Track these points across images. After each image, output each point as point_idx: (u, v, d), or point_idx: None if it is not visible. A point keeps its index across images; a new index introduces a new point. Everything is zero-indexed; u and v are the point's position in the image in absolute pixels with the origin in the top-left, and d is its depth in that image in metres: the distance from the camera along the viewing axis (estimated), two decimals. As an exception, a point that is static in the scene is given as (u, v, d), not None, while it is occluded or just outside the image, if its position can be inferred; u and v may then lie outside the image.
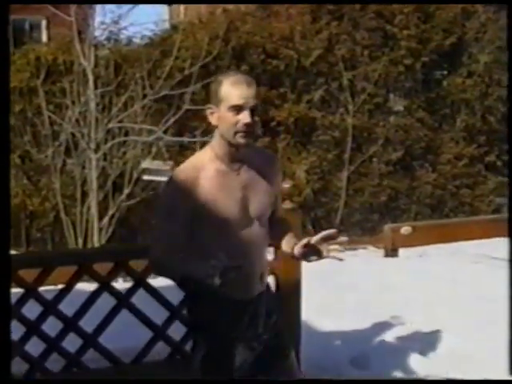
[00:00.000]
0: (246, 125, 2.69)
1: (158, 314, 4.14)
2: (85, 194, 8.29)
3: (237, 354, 2.86)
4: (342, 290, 5.84)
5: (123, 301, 4.05)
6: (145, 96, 8.20)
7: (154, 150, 8.38)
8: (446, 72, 10.28)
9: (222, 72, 3.02)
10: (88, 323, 4.00)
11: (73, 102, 8.16)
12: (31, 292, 3.83)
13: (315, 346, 4.54)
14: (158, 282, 4.34)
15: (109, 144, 8.11)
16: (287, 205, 3.93)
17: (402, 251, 7.88)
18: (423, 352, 4.77)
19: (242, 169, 2.81)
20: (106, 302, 4.03)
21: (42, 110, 8.42)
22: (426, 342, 4.90)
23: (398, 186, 9.80)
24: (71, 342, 3.99)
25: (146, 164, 8.41)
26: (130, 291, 4.08)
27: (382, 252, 8.00)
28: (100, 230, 8.09)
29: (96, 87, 8.16)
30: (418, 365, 4.63)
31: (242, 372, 2.87)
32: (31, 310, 3.86)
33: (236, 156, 2.79)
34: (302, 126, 9.57)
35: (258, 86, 2.76)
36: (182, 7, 16.04)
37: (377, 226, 9.08)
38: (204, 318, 2.86)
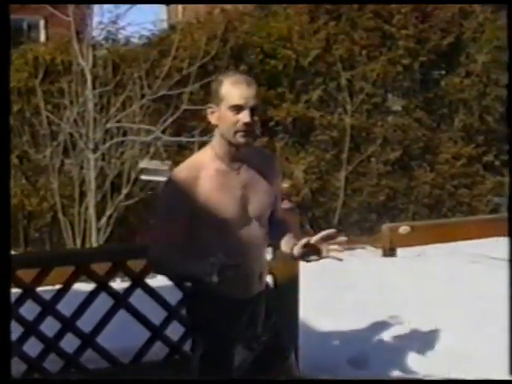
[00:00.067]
0: (246, 124, 2.71)
1: (156, 314, 4.14)
2: (83, 194, 8.28)
3: (236, 353, 2.86)
4: (340, 290, 5.84)
5: (121, 301, 4.05)
6: (143, 96, 8.19)
7: (152, 149, 8.36)
8: (443, 72, 10.28)
9: (220, 72, 3.04)
10: (86, 323, 4.00)
11: (71, 102, 8.15)
12: (29, 292, 3.83)
13: (313, 345, 4.54)
14: (156, 281, 4.35)
15: (107, 144, 8.10)
16: (285, 204, 3.93)
17: (400, 251, 7.89)
18: (421, 351, 4.78)
19: (241, 168, 2.82)
20: (103, 302, 4.03)
21: (40, 110, 8.41)
22: (424, 341, 4.91)
23: (396, 185, 9.80)
24: (69, 343, 3.99)
25: (144, 164, 8.40)
26: (128, 291, 4.09)
27: (380, 252, 8.00)
28: (98, 230, 8.08)
29: (94, 87, 8.15)
30: (416, 364, 4.64)
31: (241, 372, 2.87)
32: (29, 310, 3.86)
33: (236, 155, 2.79)
34: (300, 126, 9.57)
35: (257, 86, 2.78)
36: (180, 7, 16.05)
37: (375, 225, 9.08)
38: (203, 318, 2.86)
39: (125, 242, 8.22)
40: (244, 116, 2.71)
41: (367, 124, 9.72)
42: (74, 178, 8.33)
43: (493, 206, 9.95)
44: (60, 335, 3.94)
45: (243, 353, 2.87)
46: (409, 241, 8.01)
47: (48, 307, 3.88)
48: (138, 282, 4.06)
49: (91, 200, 8.06)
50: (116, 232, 8.23)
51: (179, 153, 8.46)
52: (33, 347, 3.90)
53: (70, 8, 8.22)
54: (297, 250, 2.82)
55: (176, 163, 6.08)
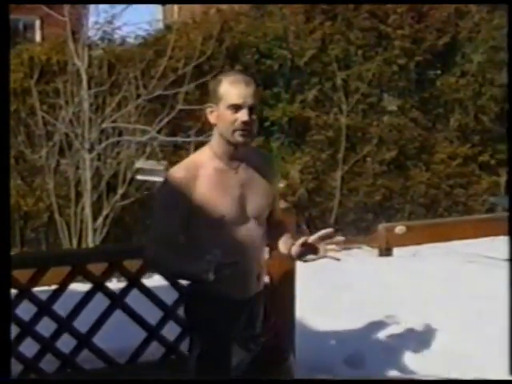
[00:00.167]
0: (244, 123, 2.72)
1: (152, 314, 4.14)
2: (79, 195, 8.28)
3: (233, 354, 2.86)
4: (337, 290, 5.84)
5: (117, 301, 4.04)
6: (138, 96, 8.19)
7: (147, 149, 8.37)
8: (439, 72, 10.29)
9: (215, 72, 3.05)
10: (82, 323, 4.00)
11: (66, 102, 8.15)
12: (25, 292, 3.82)
13: (309, 345, 4.54)
14: (152, 282, 4.35)
15: (103, 144, 8.10)
16: (281, 204, 3.93)
17: (396, 250, 7.89)
18: (417, 351, 4.78)
19: (240, 167, 2.83)
20: (100, 303, 4.03)
21: (36, 111, 8.41)
22: (421, 340, 4.91)
23: (392, 185, 9.81)
24: (65, 343, 3.98)
25: (139, 164, 8.40)
26: (124, 291, 4.08)
27: (376, 251, 8.01)
28: (94, 230, 8.08)
29: (90, 87, 8.15)
30: (413, 364, 4.64)
31: (240, 372, 2.87)
32: (25, 310, 3.85)
33: (234, 155, 2.80)
34: (295, 126, 9.58)
35: (256, 86, 2.80)
36: (175, 7, 16.03)
37: (371, 225, 9.09)
38: (201, 318, 2.86)
39: (121, 242, 8.22)
40: (242, 115, 2.72)
41: (363, 124, 9.74)
42: (70, 178, 8.33)
43: (488, 206, 9.96)
44: (56, 335, 3.93)
45: (241, 353, 2.87)
46: (405, 240, 8.01)
47: (44, 307, 3.88)
48: (134, 282, 4.06)
49: (87, 200, 8.06)
50: (112, 232, 8.23)
51: (175, 153, 8.47)
52: (29, 348, 3.89)
53: (66, 8, 8.22)
54: (295, 250, 2.82)
55: (172, 163, 6.08)
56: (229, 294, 2.78)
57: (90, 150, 8.03)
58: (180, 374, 3.17)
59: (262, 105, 9.10)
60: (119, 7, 8.80)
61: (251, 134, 2.79)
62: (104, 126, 8.09)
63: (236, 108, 2.73)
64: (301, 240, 2.79)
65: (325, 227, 2.90)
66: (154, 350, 4.17)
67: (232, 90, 2.74)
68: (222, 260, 2.55)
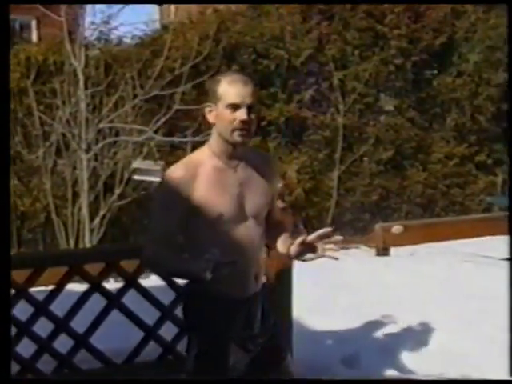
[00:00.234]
0: (243, 122, 2.73)
1: (150, 314, 4.14)
2: (76, 195, 8.26)
3: (231, 354, 2.85)
4: (334, 289, 5.85)
5: (114, 301, 4.04)
6: (135, 96, 8.18)
7: (144, 150, 8.36)
8: (436, 71, 10.30)
9: (212, 72, 3.05)
10: (79, 324, 4.00)
11: (63, 103, 8.13)
12: (22, 293, 3.82)
13: (306, 344, 4.54)
14: (149, 282, 4.35)
15: (100, 144, 8.09)
16: (278, 204, 3.93)
17: (393, 250, 7.91)
18: (415, 350, 4.78)
19: (239, 166, 2.84)
20: (97, 303, 4.03)
21: (33, 111, 8.39)
22: (418, 340, 4.91)
23: (389, 185, 9.81)
24: (62, 343, 3.98)
25: (136, 164, 8.38)
26: (121, 291, 4.08)
27: (373, 251, 8.02)
28: (91, 230, 8.07)
29: (86, 87, 8.13)
30: (410, 363, 4.65)
31: (238, 372, 2.87)
32: (22, 310, 3.85)
33: (233, 154, 2.81)
34: (292, 126, 9.57)
35: (255, 85, 2.80)
36: (172, 7, 16.03)
37: (368, 225, 9.09)
38: (198, 317, 2.86)
39: (118, 242, 8.21)
40: (241, 114, 2.73)
41: (360, 124, 9.73)
42: (67, 178, 8.32)
43: (485, 206, 9.97)
44: (53, 336, 3.93)
45: (239, 353, 2.87)
46: (402, 240, 8.03)
47: (41, 308, 3.88)
48: (131, 282, 4.06)
49: (84, 200, 8.04)
50: (109, 232, 8.22)
51: (172, 153, 8.46)
52: (26, 348, 3.89)
53: (63, 8, 8.20)
54: (293, 249, 2.83)
55: (169, 163, 6.08)
56: (227, 294, 2.78)
57: (87, 150, 8.02)
58: (177, 374, 3.17)
59: (259, 105, 9.10)
60: (116, 7, 8.77)
61: (250, 133, 2.79)
62: (101, 126, 8.07)
63: (234, 107, 2.74)
64: (299, 239, 2.80)
65: (322, 227, 2.90)
66: (151, 350, 4.17)
67: (230, 89, 2.75)
68: (220, 259, 2.55)
